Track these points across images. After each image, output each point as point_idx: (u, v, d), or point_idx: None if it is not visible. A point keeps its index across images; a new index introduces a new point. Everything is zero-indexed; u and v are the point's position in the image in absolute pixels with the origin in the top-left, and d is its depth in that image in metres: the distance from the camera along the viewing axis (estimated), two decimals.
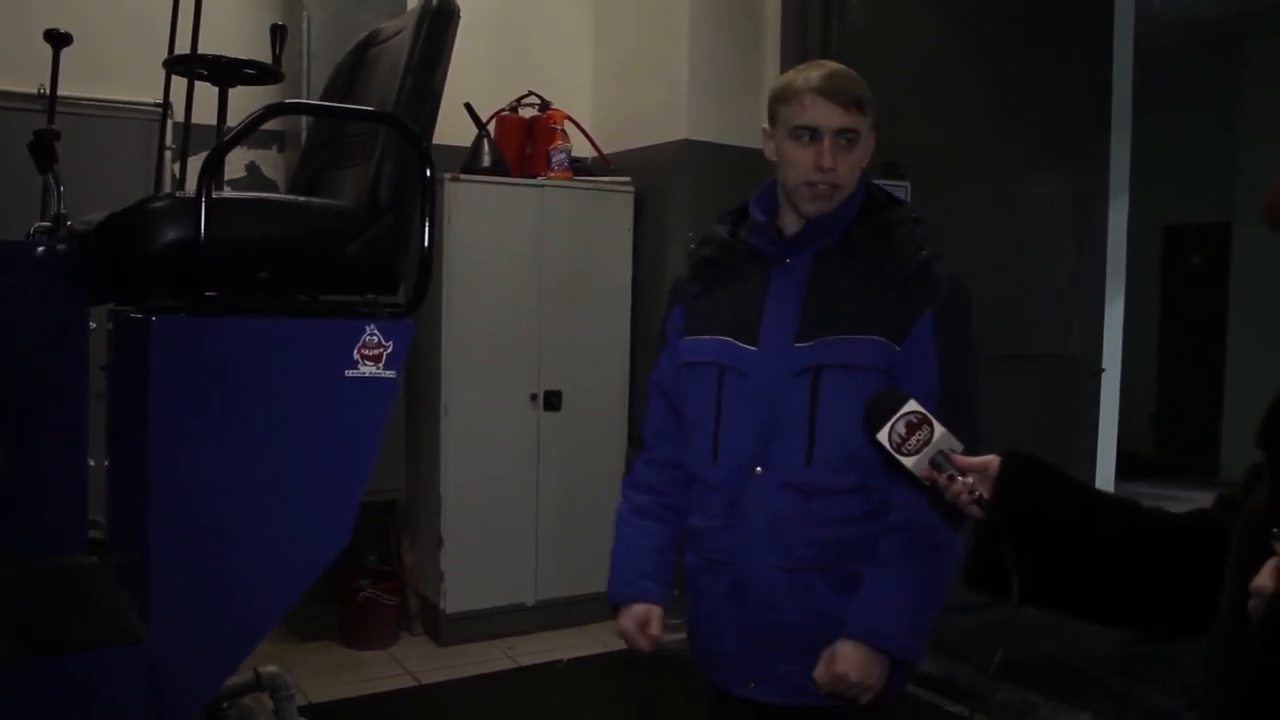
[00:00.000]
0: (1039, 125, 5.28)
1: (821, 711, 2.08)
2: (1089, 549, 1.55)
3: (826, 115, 2.06)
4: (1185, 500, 1.46)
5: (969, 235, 4.87)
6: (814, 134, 2.06)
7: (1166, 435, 9.96)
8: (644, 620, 2.26)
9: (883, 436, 1.66)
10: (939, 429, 1.64)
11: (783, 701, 2.13)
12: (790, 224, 2.17)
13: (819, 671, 2.03)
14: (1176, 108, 9.03)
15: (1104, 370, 5.62)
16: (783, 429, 2.08)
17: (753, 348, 2.13)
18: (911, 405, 1.66)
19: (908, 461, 1.65)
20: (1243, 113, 8.44)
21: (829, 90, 2.05)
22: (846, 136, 2.07)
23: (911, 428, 1.65)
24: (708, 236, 2.30)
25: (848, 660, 2.01)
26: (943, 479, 1.62)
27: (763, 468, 2.10)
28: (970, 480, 1.60)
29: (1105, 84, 5.56)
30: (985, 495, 1.59)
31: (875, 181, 2.23)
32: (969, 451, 1.65)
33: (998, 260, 5.04)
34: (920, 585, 2.03)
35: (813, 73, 2.08)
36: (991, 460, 1.61)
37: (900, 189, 4.75)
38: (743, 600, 2.14)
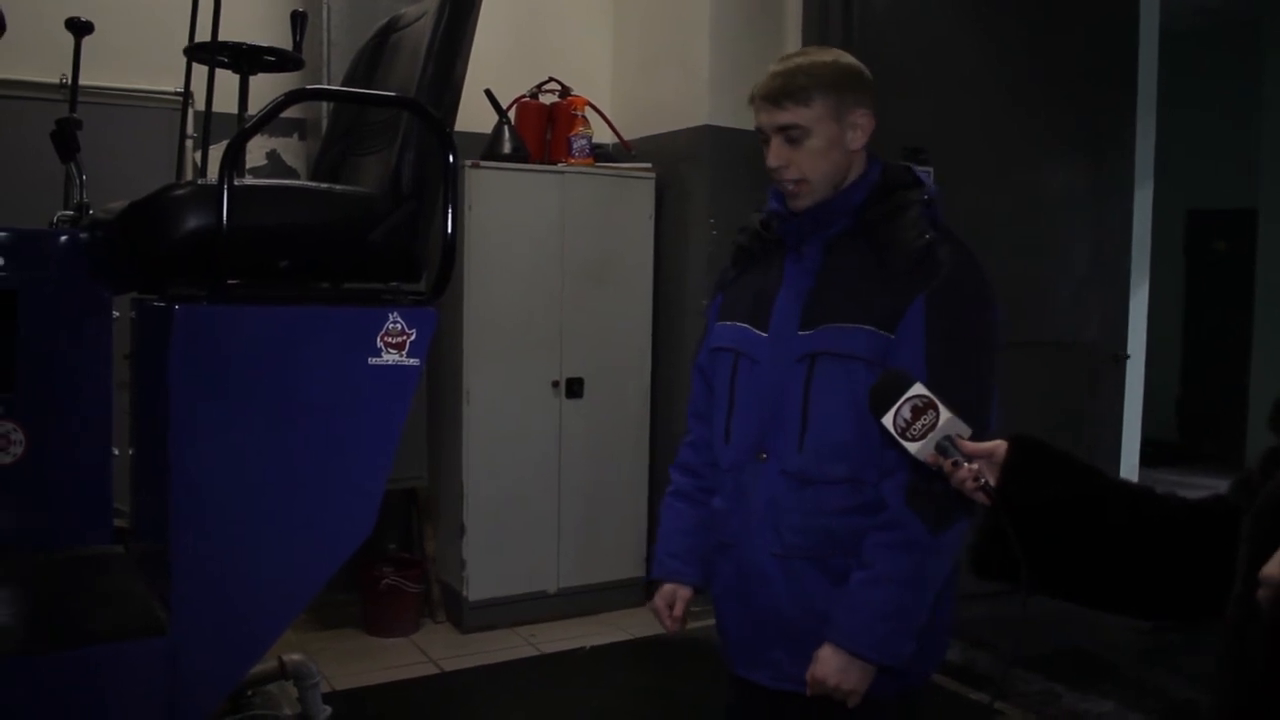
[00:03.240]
0: (1063, 110, 5.24)
1: (810, 700, 2.09)
2: (1098, 535, 1.52)
3: (767, 116, 2.13)
4: (1209, 488, 1.44)
5: (992, 222, 4.85)
6: (766, 136, 2.13)
7: (1191, 422, 9.89)
8: (671, 600, 2.32)
9: (887, 420, 1.64)
10: (944, 413, 1.62)
11: (772, 686, 2.17)
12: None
13: (809, 672, 2.05)
14: (1200, 92, 8.94)
15: (1128, 357, 5.58)
16: (782, 416, 2.11)
17: (763, 334, 2.16)
18: (917, 389, 1.64)
19: (912, 447, 1.63)
20: (1266, 97, 8.35)
21: (765, 93, 2.12)
22: (789, 134, 2.10)
23: (917, 412, 1.63)
24: (744, 224, 2.34)
25: (825, 665, 2.02)
26: (948, 465, 1.60)
27: (765, 453, 2.13)
28: (976, 466, 1.58)
29: (1130, 68, 5.51)
30: (991, 481, 1.57)
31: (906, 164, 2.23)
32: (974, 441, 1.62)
33: (1021, 247, 5.01)
34: (903, 588, 2.00)
35: (762, 78, 2.14)
36: (999, 445, 1.59)
37: (924, 175, 4.72)
38: (743, 584, 2.19)
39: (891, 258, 2.06)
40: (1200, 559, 1.44)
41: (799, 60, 2.13)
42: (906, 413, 1.63)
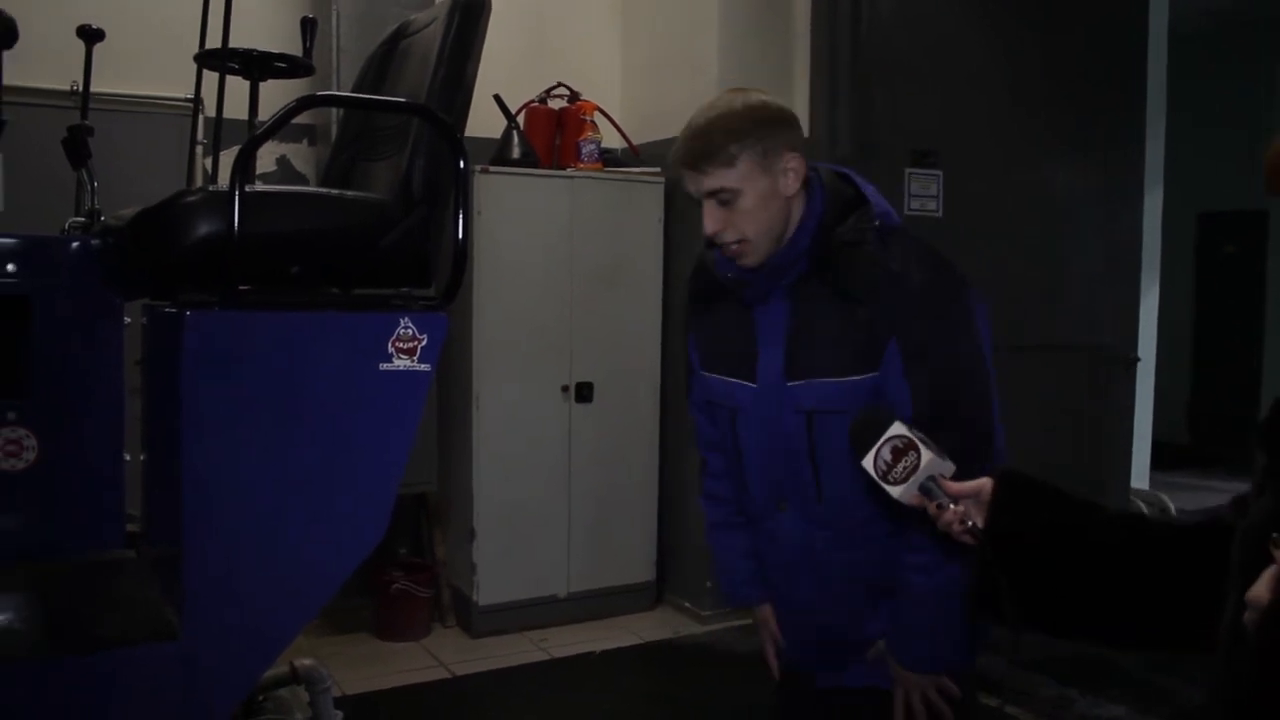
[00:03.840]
0: (1073, 112, 5.23)
1: (887, 693, 2.14)
2: (1092, 568, 1.49)
3: (694, 183, 2.02)
4: (1220, 490, 1.43)
5: (1002, 221, 4.85)
6: (698, 199, 2.03)
7: (1201, 425, 9.87)
8: (766, 621, 2.36)
9: (868, 464, 1.57)
10: (925, 454, 1.55)
11: (859, 685, 2.20)
12: None
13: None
14: (1208, 93, 8.92)
15: (1139, 360, 5.56)
16: (792, 467, 2.10)
17: (752, 384, 2.13)
18: (896, 429, 1.57)
19: (894, 491, 1.56)
20: (1277, 97, 8.33)
21: (685, 159, 2.01)
22: (720, 198, 1.99)
23: (898, 454, 1.56)
24: (699, 265, 2.27)
25: (910, 685, 2.08)
26: (933, 507, 1.55)
27: (785, 503, 2.14)
28: (961, 508, 1.53)
29: (1139, 70, 5.50)
30: (978, 523, 1.52)
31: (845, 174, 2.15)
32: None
33: (1031, 249, 5.00)
34: (933, 605, 2.03)
35: (680, 143, 2.02)
36: (984, 484, 1.54)
37: (933, 178, 4.72)
38: (796, 616, 2.25)
39: (852, 296, 1.98)
40: (1194, 586, 1.40)
41: (710, 116, 2.00)
42: (887, 454, 1.56)
